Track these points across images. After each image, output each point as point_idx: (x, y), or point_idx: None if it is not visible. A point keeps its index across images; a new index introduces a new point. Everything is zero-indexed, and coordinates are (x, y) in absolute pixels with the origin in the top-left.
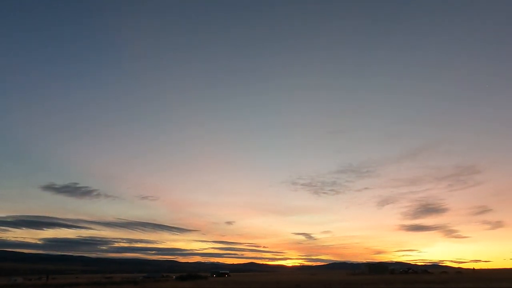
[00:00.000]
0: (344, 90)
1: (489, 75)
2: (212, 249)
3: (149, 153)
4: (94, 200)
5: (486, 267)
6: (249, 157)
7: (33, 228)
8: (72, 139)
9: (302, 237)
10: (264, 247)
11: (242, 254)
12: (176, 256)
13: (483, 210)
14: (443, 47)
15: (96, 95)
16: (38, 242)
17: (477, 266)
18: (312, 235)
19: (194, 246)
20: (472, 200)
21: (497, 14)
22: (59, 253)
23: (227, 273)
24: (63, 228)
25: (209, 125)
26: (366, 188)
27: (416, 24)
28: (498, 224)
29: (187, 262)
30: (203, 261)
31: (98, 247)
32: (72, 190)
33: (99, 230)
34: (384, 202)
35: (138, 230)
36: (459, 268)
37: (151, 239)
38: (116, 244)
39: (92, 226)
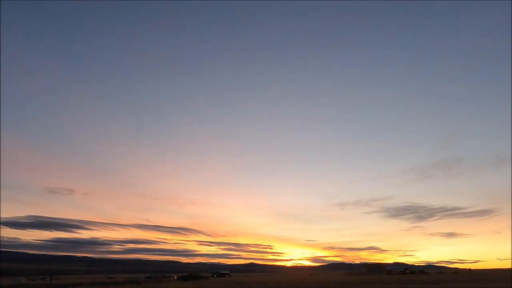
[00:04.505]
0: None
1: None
2: (219, 250)
3: (161, 156)
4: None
5: (482, 267)
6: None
7: (37, 229)
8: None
9: (303, 240)
10: (268, 248)
11: (245, 255)
12: (178, 257)
13: (479, 216)
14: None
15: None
16: (42, 242)
17: (473, 266)
18: (313, 239)
19: (198, 247)
20: (468, 204)
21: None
22: (62, 253)
23: (227, 273)
24: (66, 229)
25: (229, 132)
26: (366, 213)
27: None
28: (492, 228)
29: (189, 263)
30: (204, 261)
31: (101, 248)
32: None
33: (102, 231)
34: (383, 216)
35: (143, 231)
36: (455, 268)
37: (154, 239)
38: (120, 246)
39: (95, 227)
